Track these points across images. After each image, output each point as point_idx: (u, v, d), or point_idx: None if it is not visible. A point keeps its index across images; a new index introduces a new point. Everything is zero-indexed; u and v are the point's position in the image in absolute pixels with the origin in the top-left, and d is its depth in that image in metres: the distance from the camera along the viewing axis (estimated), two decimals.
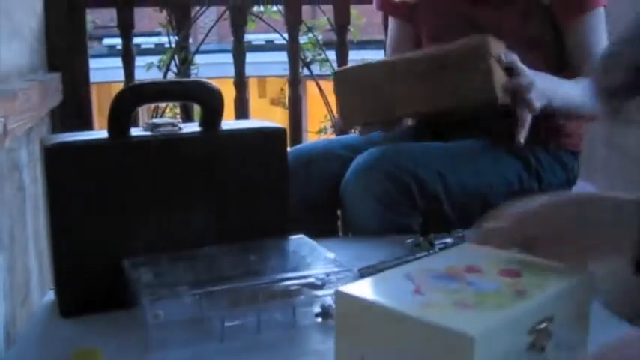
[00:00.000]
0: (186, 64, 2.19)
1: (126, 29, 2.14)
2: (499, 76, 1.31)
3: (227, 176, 1.13)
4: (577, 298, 0.82)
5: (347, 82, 1.47)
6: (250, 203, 1.15)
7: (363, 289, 0.79)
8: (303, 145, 1.64)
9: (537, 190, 1.57)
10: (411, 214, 1.43)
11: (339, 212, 1.59)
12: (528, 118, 1.34)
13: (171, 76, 2.24)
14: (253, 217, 1.15)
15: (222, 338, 0.95)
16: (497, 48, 1.33)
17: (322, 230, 1.45)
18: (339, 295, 0.78)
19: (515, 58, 1.33)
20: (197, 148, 1.12)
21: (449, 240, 1.24)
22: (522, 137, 1.34)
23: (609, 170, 2.46)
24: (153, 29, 2.85)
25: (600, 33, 1.54)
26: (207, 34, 2.50)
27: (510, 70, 1.33)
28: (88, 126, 2.00)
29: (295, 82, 2.21)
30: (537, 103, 1.33)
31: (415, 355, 0.70)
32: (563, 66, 1.56)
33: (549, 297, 0.77)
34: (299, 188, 1.47)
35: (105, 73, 4.29)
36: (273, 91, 11.81)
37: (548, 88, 1.38)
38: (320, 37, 2.70)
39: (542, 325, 0.74)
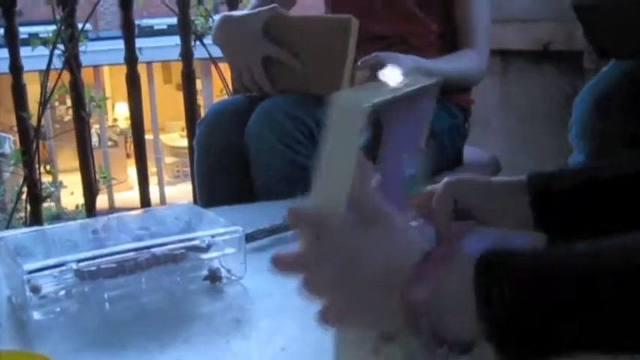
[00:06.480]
0: (72, 41, 2.11)
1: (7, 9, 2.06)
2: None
3: None
4: None
5: None
6: None
7: None
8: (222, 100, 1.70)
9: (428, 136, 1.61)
10: (312, 154, 1.44)
11: None
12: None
13: (58, 54, 2.14)
14: None
15: (104, 308, 0.92)
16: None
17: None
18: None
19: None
20: None
21: None
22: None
23: (504, 133, 2.53)
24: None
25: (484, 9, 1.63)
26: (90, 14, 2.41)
27: None
28: None
29: (188, 55, 2.17)
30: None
31: None
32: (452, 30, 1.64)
33: None
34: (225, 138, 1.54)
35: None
36: (180, 77, 11.61)
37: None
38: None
39: None
